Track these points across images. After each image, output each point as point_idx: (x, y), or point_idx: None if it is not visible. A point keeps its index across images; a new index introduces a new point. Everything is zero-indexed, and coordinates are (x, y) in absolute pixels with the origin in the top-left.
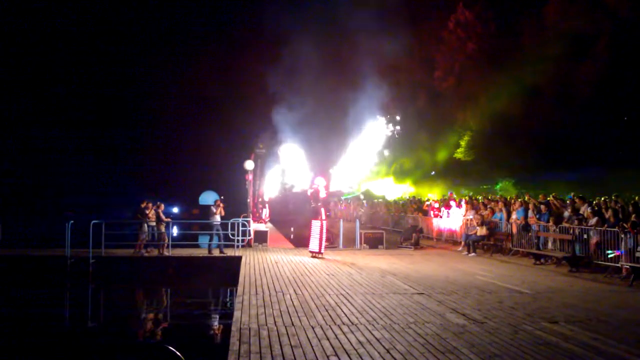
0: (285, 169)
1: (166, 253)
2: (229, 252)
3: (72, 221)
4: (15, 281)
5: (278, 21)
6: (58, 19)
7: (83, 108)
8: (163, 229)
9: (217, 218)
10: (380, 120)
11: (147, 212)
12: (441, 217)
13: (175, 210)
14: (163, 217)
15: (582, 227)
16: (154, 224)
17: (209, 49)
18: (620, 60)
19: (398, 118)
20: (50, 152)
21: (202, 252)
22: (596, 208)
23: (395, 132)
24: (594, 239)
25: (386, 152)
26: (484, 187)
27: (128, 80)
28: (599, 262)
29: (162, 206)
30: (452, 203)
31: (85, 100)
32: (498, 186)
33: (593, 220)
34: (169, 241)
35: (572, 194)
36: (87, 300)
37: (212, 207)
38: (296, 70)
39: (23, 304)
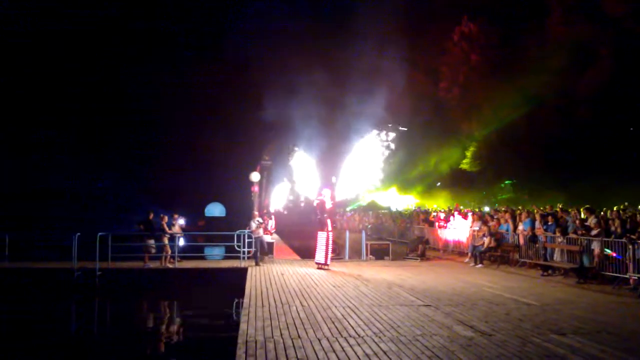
0: (294, 180)
1: (171, 265)
2: (235, 264)
3: (78, 234)
4: (21, 294)
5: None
6: (65, 25)
7: (88, 119)
8: (167, 241)
9: (260, 232)
10: (385, 130)
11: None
12: (449, 225)
13: (182, 222)
14: (167, 229)
15: (589, 237)
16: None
17: (216, 61)
18: (623, 69)
19: (401, 129)
20: (55, 164)
21: (208, 264)
22: (602, 220)
23: (400, 142)
24: (597, 250)
25: (391, 162)
26: (485, 195)
27: (133, 90)
28: (607, 274)
29: (166, 218)
30: (457, 215)
31: (91, 111)
32: (504, 196)
33: (595, 231)
34: (175, 253)
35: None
36: (92, 313)
37: (252, 222)
38: (299, 82)
39: (29, 317)
